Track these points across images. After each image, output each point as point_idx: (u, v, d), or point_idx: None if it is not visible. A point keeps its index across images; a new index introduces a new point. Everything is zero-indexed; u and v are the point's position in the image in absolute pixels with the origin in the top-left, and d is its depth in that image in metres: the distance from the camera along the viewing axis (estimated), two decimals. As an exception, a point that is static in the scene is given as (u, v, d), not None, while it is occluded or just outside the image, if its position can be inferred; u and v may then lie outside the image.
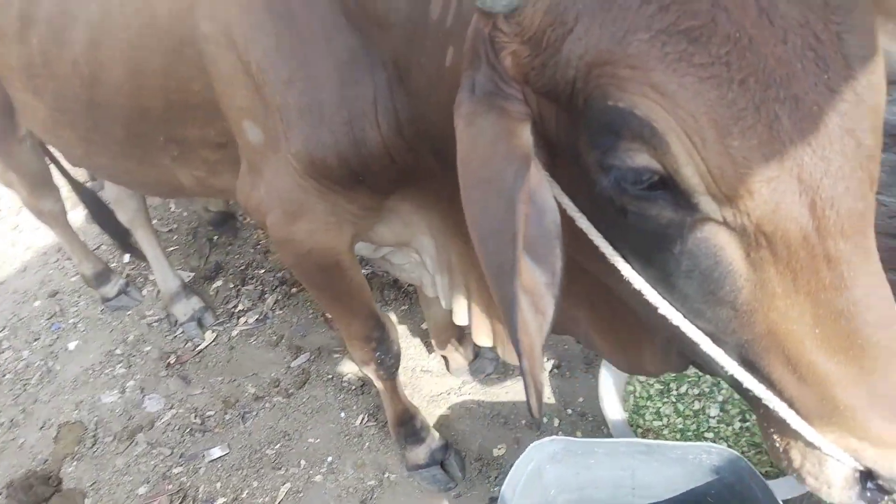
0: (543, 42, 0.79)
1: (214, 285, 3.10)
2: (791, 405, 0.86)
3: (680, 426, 2.06)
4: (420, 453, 2.17)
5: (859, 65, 0.72)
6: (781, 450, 0.92)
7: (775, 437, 0.93)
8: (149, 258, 2.87)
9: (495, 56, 0.84)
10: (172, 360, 2.76)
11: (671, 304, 0.89)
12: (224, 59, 1.46)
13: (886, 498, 0.86)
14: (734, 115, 0.71)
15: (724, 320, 0.85)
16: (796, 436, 0.88)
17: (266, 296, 2.99)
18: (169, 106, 1.64)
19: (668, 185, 0.77)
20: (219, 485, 2.30)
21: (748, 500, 1.56)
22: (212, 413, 2.54)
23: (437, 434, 2.21)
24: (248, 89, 1.46)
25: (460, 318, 1.73)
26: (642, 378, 2.21)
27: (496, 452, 2.24)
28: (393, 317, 2.75)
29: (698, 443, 1.64)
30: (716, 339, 0.88)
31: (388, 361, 1.97)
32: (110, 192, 2.72)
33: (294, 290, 2.99)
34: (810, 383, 0.83)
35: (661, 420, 2.09)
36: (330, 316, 1.92)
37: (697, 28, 0.70)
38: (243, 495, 2.26)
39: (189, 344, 2.83)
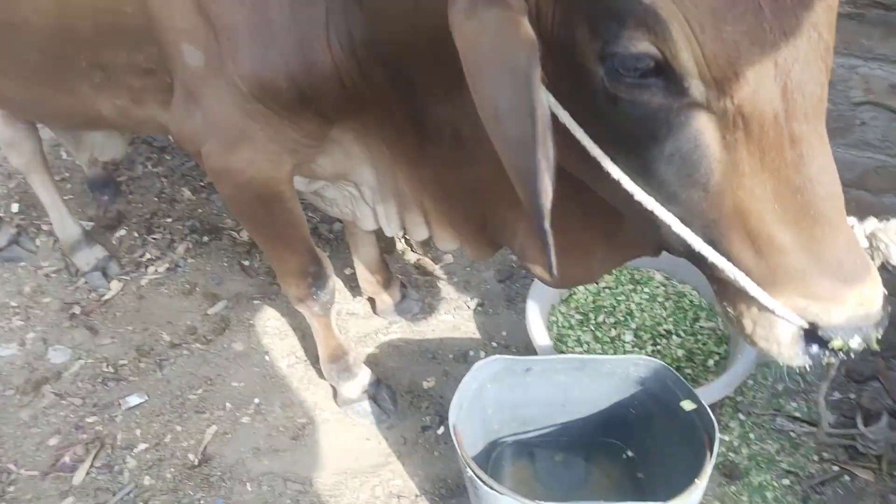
0: None
1: (117, 234, 2.93)
2: (748, 274, 0.98)
3: (599, 352, 2.21)
4: (352, 388, 2.19)
5: None
6: (736, 318, 1.05)
7: (731, 307, 1.05)
8: (46, 205, 2.67)
9: None
10: (77, 310, 2.60)
11: (647, 192, 0.99)
12: (162, -25, 1.40)
13: (827, 353, 1.00)
14: (728, 4, 0.80)
15: (696, 201, 0.96)
16: (751, 302, 1.01)
17: (176, 244, 2.87)
18: (97, 28, 1.54)
19: (661, 72, 0.86)
20: (139, 431, 2.22)
21: (673, 406, 1.71)
22: (125, 362, 2.43)
23: (368, 370, 2.24)
24: (189, 10, 1.40)
25: (419, 235, 1.75)
26: (563, 309, 2.34)
27: (426, 385, 2.30)
28: (313, 262, 2.72)
29: (627, 355, 1.78)
30: (685, 221, 0.99)
31: (324, 297, 1.97)
32: (3, 135, 2.50)
33: (206, 238, 2.89)
34: (766, 254, 0.96)
35: (581, 347, 2.22)
36: (264, 251, 1.89)
37: None
38: (166, 440, 2.19)
39: (93, 294, 2.67)
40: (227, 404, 2.29)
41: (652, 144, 0.93)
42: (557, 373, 1.79)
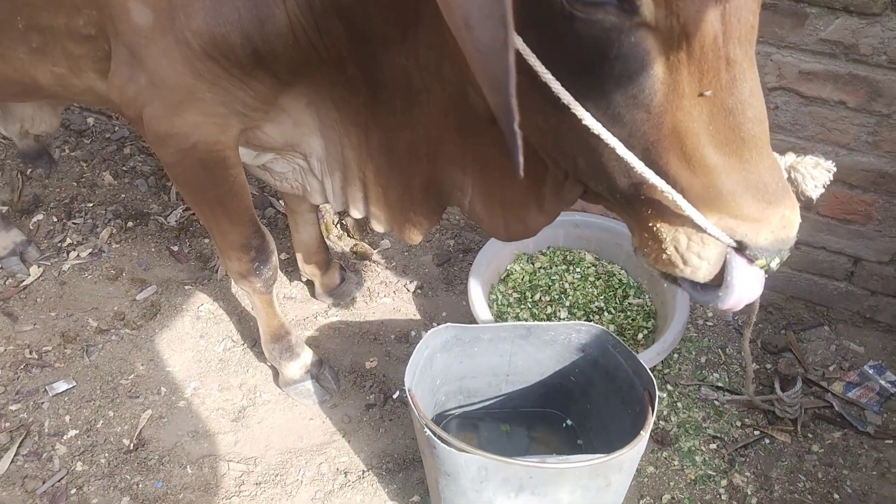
0: None
1: (34, 219, 2.78)
2: (683, 195, 1.07)
3: (537, 329, 2.29)
4: (294, 369, 2.18)
5: None
6: (671, 237, 1.13)
7: (664, 230, 1.14)
8: (-45, 184, 2.51)
9: None
10: (-7, 296, 2.46)
11: (595, 116, 1.04)
12: (109, -72, 1.36)
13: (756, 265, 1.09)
14: None
15: (639, 123, 1.04)
16: (684, 223, 1.10)
17: (98, 230, 2.75)
18: None
19: None
20: (67, 418, 2.12)
21: (612, 370, 1.80)
22: (49, 348, 2.31)
23: (310, 350, 2.23)
24: None
25: (357, 211, 1.77)
26: (502, 288, 2.41)
27: (368, 365, 2.32)
28: (248, 247, 2.68)
29: (569, 322, 1.86)
30: (628, 145, 1.06)
31: (267, 273, 1.94)
32: None
33: (131, 223, 2.79)
34: (700, 174, 1.05)
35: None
36: (205, 223, 1.84)
37: None
38: (98, 425, 2.11)
39: (11, 280, 2.53)
40: (162, 389, 2.23)
41: (602, 64, 1.00)
42: (504, 341, 1.84)
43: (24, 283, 2.52)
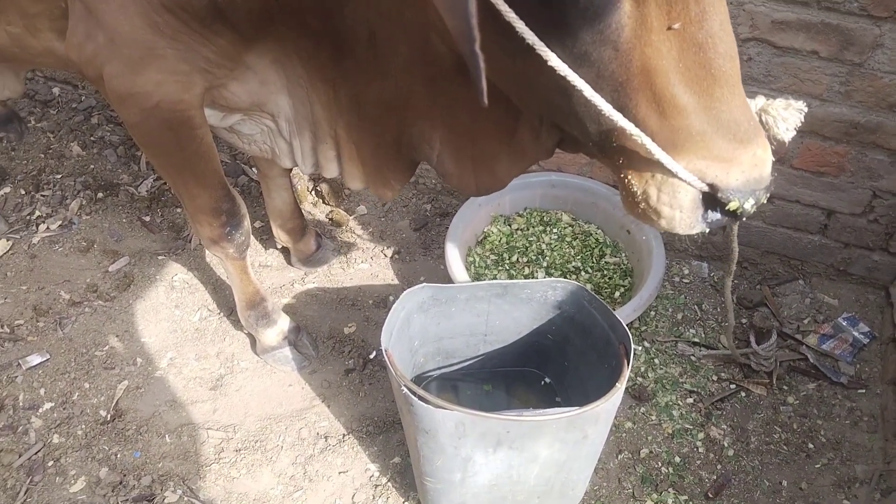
0: None
1: (1, 192, 2.72)
2: (653, 139, 1.04)
3: (515, 289, 2.28)
4: (272, 335, 2.16)
5: None
6: (641, 190, 1.12)
7: (635, 178, 1.12)
8: (-84, 157, 2.44)
9: None
10: (-40, 270, 2.41)
11: (561, 57, 1.01)
12: None
13: (724, 217, 1.09)
14: None
15: (607, 61, 1.01)
16: (654, 169, 1.08)
17: (68, 201, 2.70)
18: None
19: None
20: (42, 391, 2.09)
21: (588, 326, 1.80)
22: (21, 322, 2.27)
23: (287, 317, 2.21)
24: None
25: (330, 171, 1.74)
26: (479, 251, 2.40)
27: (347, 331, 2.31)
28: (222, 215, 2.64)
29: (546, 279, 1.85)
30: (596, 88, 1.03)
31: (239, 238, 1.91)
32: None
33: (101, 194, 2.73)
34: (670, 115, 1.02)
35: (498, 285, 2.29)
36: (173, 188, 1.80)
37: None
38: (74, 398, 2.08)
39: (-22, 254, 2.48)
40: (138, 359, 2.20)
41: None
42: (480, 301, 1.84)
43: (-7, 257, 2.47)
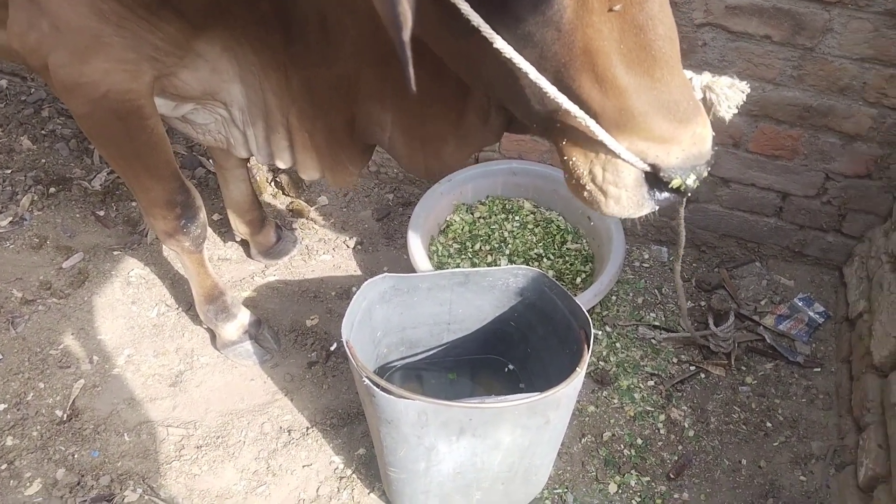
0: None
1: (-54, 189, 2.63)
2: (596, 120, 1.05)
3: (477, 278, 2.28)
4: (232, 330, 2.13)
5: None
6: (586, 172, 1.13)
7: (580, 159, 1.13)
8: None
9: None
10: None
11: (505, 39, 1.01)
12: None
13: (668, 195, 1.10)
14: None
15: (549, 43, 1.01)
16: (599, 149, 1.09)
17: (19, 197, 2.62)
18: None
19: None
20: (-6, 392, 2.04)
21: (549, 312, 1.81)
22: (-30, 322, 2.21)
23: (247, 310, 2.18)
24: None
25: (283, 161, 1.72)
26: (442, 240, 2.39)
27: (309, 323, 2.28)
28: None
29: (507, 266, 1.85)
30: (540, 69, 1.04)
31: (195, 230, 1.87)
32: None
33: (53, 189, 2.66)
34: (611, 95, 1.03)
35: (461, 274, 2.29)
36: (125, 180, 1.75)
37: None
38: (28, 398, 2.03)
39: (-77, 253, 2.40)
40: (95, 357, 2.15)
41: None
42: (442, 289, 1.83)
43: (-61, 255, 2.39)
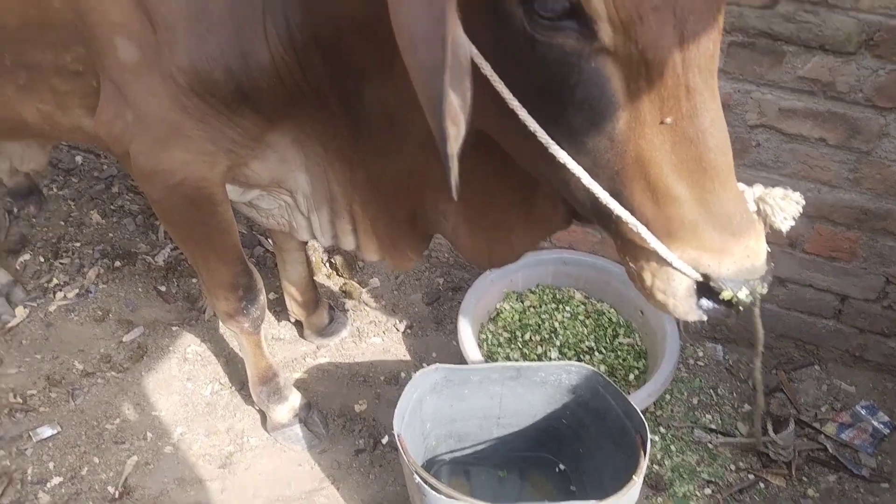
0: None
1: (21, 259, 2.76)
2: (648, 227, 1.07)
3: (528, 369, 2.27)
4: (283, 412, 2.15)
5: None
6: (637, 274, 1.14)
7: (632, 262, 1.14)
8: (-58, 226, 2.49)
9: None
10: (-24, 339, 2.42)
11: (559, 144, 1.05)
12: (97, -33, 1.38)
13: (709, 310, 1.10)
14: None
15: (602, 151, 1.04)
16: (650, 256, 1.10)
17: (86, 269, 2.73)
18: (25, 23, 1.48)
19: (575, 14, 0.94)
20: (52, 465, 2.07)
21: (603, 412, 1.78)
22: (34, 392, 2.27)
23: (299, 393, 2.20)
24: (125, 2, 1.38)
25: (347, 244, 1.76)
26: (492, 328, 2.40)
27: (358, 409, 2.29)
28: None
29: (560, 362, 1.85)
30: (593, 174, 1.06)
31: (255, 312, 1.93)
32: None
33: (118, 263, 2.77)
34: (663, 205, 1.05)
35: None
36: (192, 262, 1.83)
37: None
38: (83, 472, 2.06)
39: (-4, 322, 2.50)
40: (148, 434, 2.19)
41: (564, 91, 1.00)
42: (494, 383, 1.83)
43: (10, 324, 2.49)
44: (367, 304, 2.67)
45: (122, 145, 1.54)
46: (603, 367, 2.28)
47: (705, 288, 1.11)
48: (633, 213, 1.07)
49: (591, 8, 0.91)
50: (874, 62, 1.84)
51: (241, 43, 1.35)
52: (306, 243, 2.32)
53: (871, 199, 2.07)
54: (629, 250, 1.14)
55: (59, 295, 2.62)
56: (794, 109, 1.98)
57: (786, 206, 1.19)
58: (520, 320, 2.43)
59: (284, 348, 2.50)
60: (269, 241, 2.81)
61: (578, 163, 1.05)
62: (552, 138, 1.04)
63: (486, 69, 1.01)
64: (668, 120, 0.98)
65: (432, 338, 2.54)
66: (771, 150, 2.08)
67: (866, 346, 2.35)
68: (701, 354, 2.46)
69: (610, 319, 2.43)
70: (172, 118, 1.46)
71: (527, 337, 2.37)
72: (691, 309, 1.13)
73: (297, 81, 1.41)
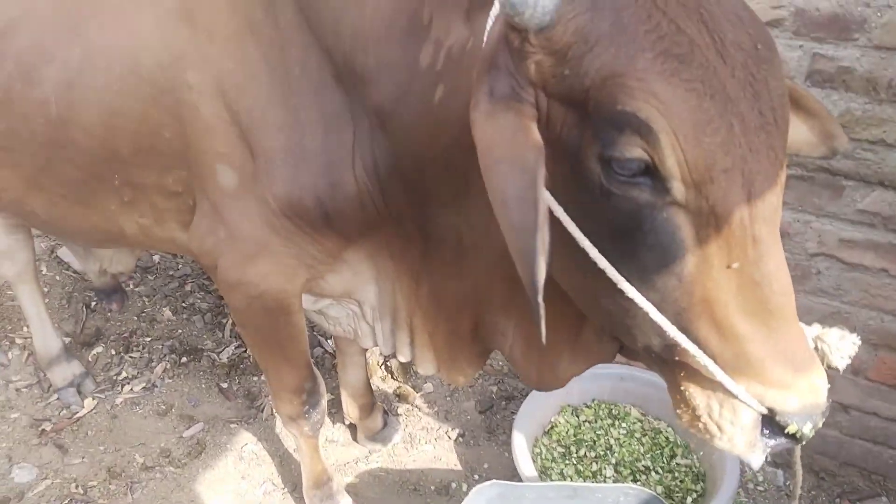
0: (568, 55, 1.00)
1: (94, 352, 2.90)
2: (714, 360, 1.09)
3: (581, 486, 2.24)
4: (334, 518, 2.15)
5: (778, 101, 1.02)
6: (703, 405, 1.15)
7: (697, 394, 1.15)
8: (29, 317, 2.65)
9: (515, 66, 1.05)
10: (47, 427, 2.52)
11: (627, 280, 1.10)
12: (207, 106, 1.54)
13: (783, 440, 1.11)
14: (707, 119, 0.96)
15: (670, 289, 1.08)
16: (715, 388, 1.12)
17: (154, 364, 2.85)
18: (137, 150, 1.66)
19: (650, 173, 1.01)
20: (106, 559, 2.11)
21: (660, 537, 1.75)
22: (94, 483, 2.34)
23: (350, 499, 2.21)
24: (229, 135, 1.54)
25: (403, 355, 1.82)
26: (546, 442, 2.38)
27: (408, 517, 2.28)
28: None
29: (617, 484, 1.82)
30: (660, 309, 1.10)
31: (316, 416, 1.99)
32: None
33: (184, 359, 2.88)
34: (729, 341, 1.08)
35: (565, 480, 2.25)
36: (262, 366, 1.92)
37: (683, 54, 0.96)
38: (136, 568, 2.09)
39: (65, 411, 2.61)
40: (201, 531, 2.21)
41: (636, 235, 1.06)
42: (549, 501, 1.81)
43: (78, 415, 2.59)
44: (419, 410, 2.69)
45: (212, 258, 1.68)
46: (660, 489, 2.22)
47: (769, 422, 1.12)
48: (698, 346, 1.10)
49: (666, 170, 0.99)
50: (932, 198, 1.88)
51: (330, 174, 1.49)
52: (367, 349, 2.39)
53: (935, 327, 2.05)
54: (694, 382, 1.16)
55: (127, 388, 2.73)
56: (855, 240, 2.01)
57: (843, 346, 1.22)
58: (575, 435, 2.41)
59: (337, 451, 2.52)
60: (330, 341, 2.89)
61: (646, 298, 1.10)
62: (621, 275, 1.10)
63: (561, 215, 1.10)
64: (735, 265, 1.04)
65: (484, 448, 2.53)
66: (832, 277, 2.09)
67: (939, 481, 2.25)
68: (761, 479, 2.39)
69: (667, 438, 2.39)
70: (261, 236, 1.59)
71: (582, 453, 2.35)
72: (756, 441, 1.14)
73: (377, 208, 1.53)
